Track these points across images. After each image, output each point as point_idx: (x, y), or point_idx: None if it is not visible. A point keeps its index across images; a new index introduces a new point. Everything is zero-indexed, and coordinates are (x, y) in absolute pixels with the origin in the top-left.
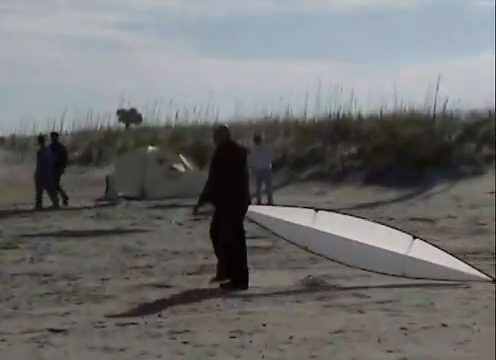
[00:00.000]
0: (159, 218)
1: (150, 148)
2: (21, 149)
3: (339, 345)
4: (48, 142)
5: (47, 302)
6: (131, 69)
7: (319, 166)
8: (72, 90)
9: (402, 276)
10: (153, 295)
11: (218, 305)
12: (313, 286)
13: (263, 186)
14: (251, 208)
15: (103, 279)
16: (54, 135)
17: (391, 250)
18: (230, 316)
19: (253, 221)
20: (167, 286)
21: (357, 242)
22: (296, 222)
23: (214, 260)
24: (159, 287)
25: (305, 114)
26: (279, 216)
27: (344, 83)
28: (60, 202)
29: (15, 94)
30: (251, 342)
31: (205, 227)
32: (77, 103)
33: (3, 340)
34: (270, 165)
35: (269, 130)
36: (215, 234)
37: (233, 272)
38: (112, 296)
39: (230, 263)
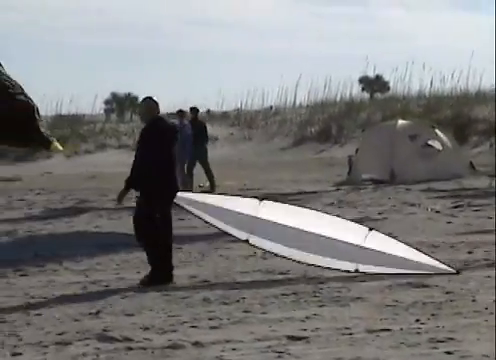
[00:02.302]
0: (413, 205)
1: (400, 122)
2: (248, 125)
3: None
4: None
5: (284, 305)
6: (376, 28)
7: None
8: (307, 56)
9: (355, 271)
10: (408, 296)
11: (487, 308)
12: None
13: None
14: (182, 195)
15: (349, 278)
16: (194, 110)
17: (345, 240)
18: None
19: (184, 208)
20: (424, 285)
21: (304, 231)
22: (237, 210)
23: (480, 255)
24: (415, 287)
25: None
26: (217, 203)
27: None
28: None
29: (239, 61)
30: None
31: (467, 215)
32: (313, 70)
33: (234, 349)
34: None
35: None
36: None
37: (155, 265)
38: (360, 298)
39: (152, 255)
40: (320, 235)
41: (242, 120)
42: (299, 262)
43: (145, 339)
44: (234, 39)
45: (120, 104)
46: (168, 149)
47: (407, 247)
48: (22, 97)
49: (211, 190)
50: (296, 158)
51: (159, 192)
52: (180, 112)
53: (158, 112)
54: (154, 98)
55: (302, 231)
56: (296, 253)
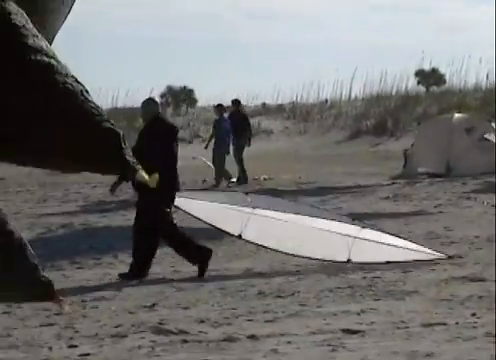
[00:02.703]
0: (469, 198)
1: (456, 115)
2: (303, 118)
3: None
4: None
5: (339, 298)
6: (431, 21)
7: None
8: (362, 48)
9: (348, 261)
10: (464, 290)
11: None
12: None
13: None
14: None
15: (404, 271)
16: (236, 103)
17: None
18: None
19: (177, 207)
20: (481, 279)
21: (297, 224)
22: (228, 205)
23: None
24: (471, 281)
25: None
26: (210, 200)
27: None
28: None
29: (296, 53)
30: None
31: None
32: (369, 63)
33: (289, 342)
34: None
35: None
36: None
37: (193, 256)
38: (415, 291)
39: (183, 249)
40: (313, 227)
41: (297, 113)
42: (293, 255)
43: (200, 332)
44: (288, 31)
45: (175, 97)
46: (168, 148)
47: (398, 238)
48: (108, 124)
49: (237, 183)
50: (351, 151)
51: (159, 191)
52: (219, 106)
53: (158, 112)
54: (154, 98)
55: (295, 224)
56: (290, 246)
